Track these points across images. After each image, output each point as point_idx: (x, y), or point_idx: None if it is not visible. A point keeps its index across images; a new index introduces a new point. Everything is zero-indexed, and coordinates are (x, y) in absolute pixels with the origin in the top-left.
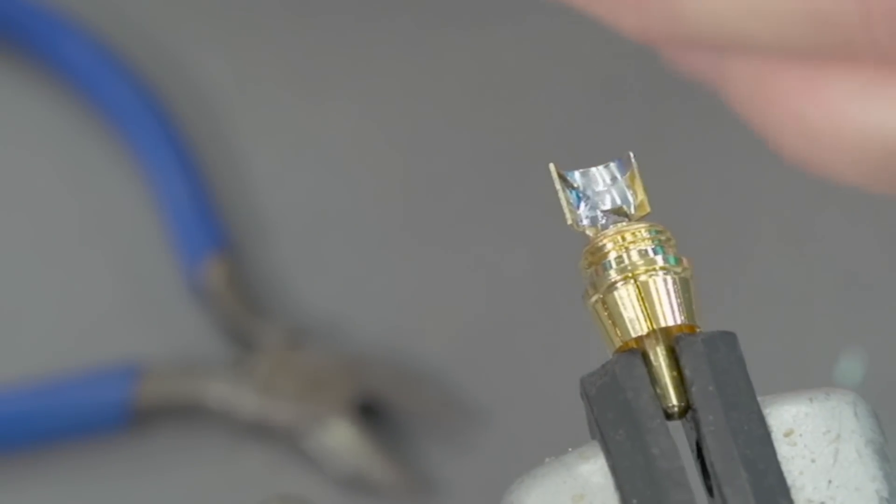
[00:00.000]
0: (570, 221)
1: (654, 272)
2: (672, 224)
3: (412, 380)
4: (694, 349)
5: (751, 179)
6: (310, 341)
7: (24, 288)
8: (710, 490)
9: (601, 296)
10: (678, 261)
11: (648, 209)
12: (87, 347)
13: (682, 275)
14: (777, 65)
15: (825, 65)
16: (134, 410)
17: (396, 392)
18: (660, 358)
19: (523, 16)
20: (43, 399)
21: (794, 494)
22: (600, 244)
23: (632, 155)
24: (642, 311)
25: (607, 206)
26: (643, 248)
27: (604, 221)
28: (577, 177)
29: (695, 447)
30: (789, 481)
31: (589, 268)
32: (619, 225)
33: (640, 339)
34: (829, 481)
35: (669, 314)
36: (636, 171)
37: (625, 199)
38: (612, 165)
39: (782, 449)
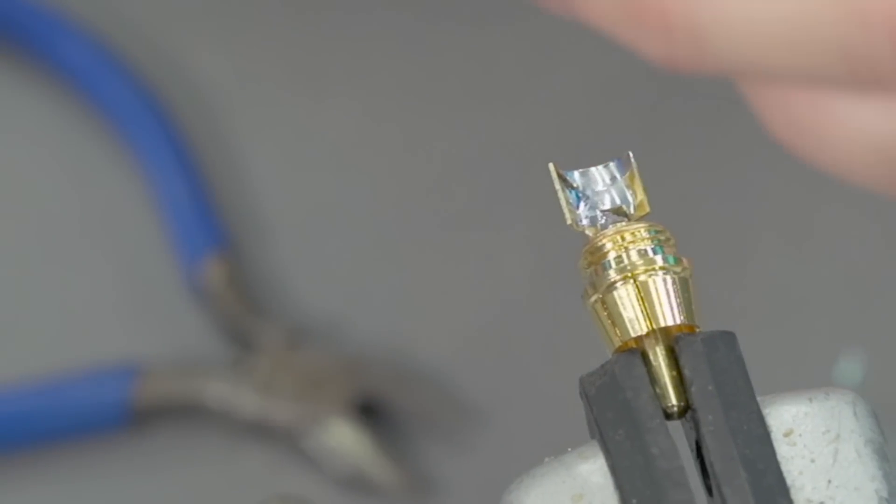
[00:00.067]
0: (569, 221)
1: (653, 272)
2: (672, 224)
3: (412, 380)
4: (693, 349)
5: (751, 179)
6: (309, 341)
7: (24, 288)
8: (709, 490)
9: (601, 295)
10: (678, 260)
11: (648, 209)
12: (87, 347)
13: (682, 274)
14: (807, 93)
15: (855, 93)
16: (133, 410)
17: (396, 392)
18: (659, 358)
19: (523, 16)
20: (43, 399)
21: (794, 494)
22: (600, 244)
23: (631, 155)
24: (642, 311)
25: (607, 205)
26: (643, 247)
27: (603, 221)
28: (576, 177)
29: (694, 447)
30: (789, 481)
31: (588, 268)
32: (619, 225)
33: (639, 338)
34: (829, 481)
35: (669, 314)
36: (636, 170)
37: (624, 199)
38: (612, 165)
39: (782, 449)
